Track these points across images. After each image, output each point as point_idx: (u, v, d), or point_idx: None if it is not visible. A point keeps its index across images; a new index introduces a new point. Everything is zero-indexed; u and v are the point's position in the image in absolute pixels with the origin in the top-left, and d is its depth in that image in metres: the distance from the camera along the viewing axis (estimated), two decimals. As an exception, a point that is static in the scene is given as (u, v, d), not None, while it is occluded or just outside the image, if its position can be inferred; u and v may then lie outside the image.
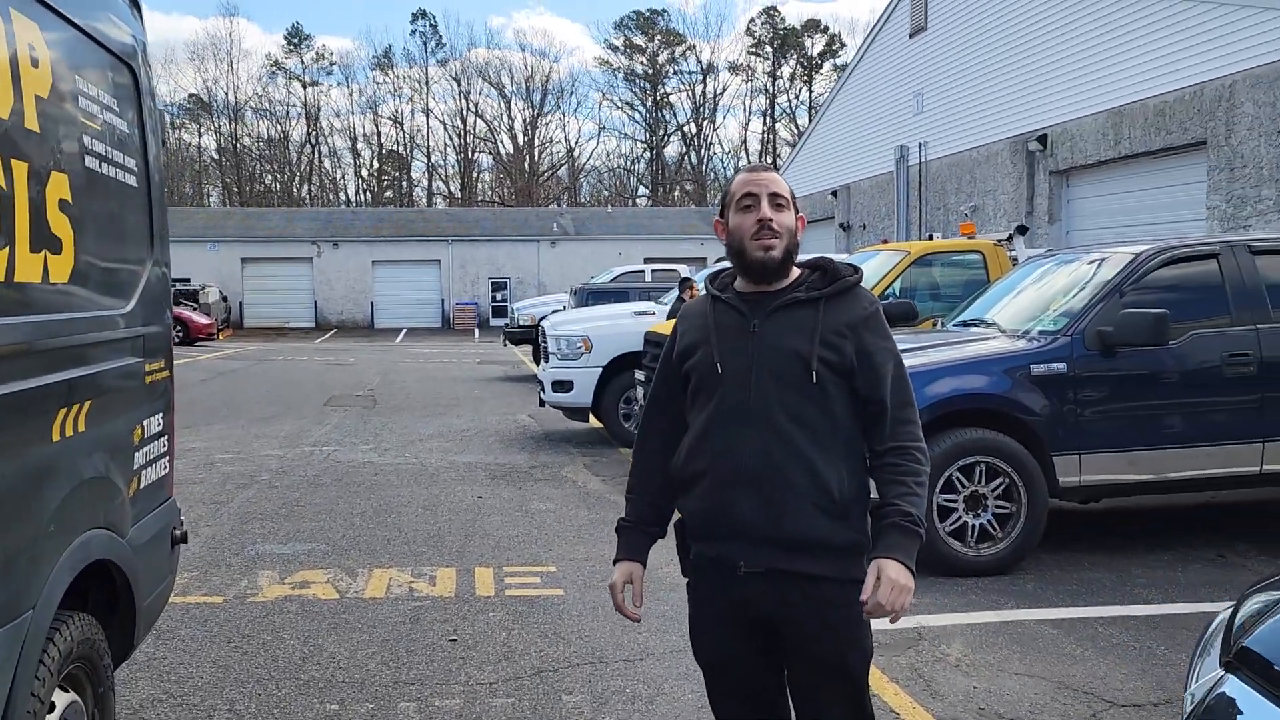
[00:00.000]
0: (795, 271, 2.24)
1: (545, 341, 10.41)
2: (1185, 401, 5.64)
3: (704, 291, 2.35)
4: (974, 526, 5.48)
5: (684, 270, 17.94)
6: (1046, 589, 5.24)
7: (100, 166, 2.77)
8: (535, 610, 4.93)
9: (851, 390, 2.15)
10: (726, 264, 2.34)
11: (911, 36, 19.31)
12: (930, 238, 18.28)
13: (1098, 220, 14.65)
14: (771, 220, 2.16)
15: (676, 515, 2.33)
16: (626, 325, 10.19)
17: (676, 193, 62.65)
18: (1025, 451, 5.47)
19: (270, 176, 63.51)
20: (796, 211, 2.25)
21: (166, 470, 3.35)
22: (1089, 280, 5.93)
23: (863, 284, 2.27)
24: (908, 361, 2.35)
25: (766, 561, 2.10)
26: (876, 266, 8.54)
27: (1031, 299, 6.40)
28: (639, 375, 8.95)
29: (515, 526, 6.71)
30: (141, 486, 3.06)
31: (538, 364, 18.59)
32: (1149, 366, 5.56)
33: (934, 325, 7.33)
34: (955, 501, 5.47)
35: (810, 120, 58.88)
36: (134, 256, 3.09)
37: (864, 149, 21.70)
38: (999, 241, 8.99)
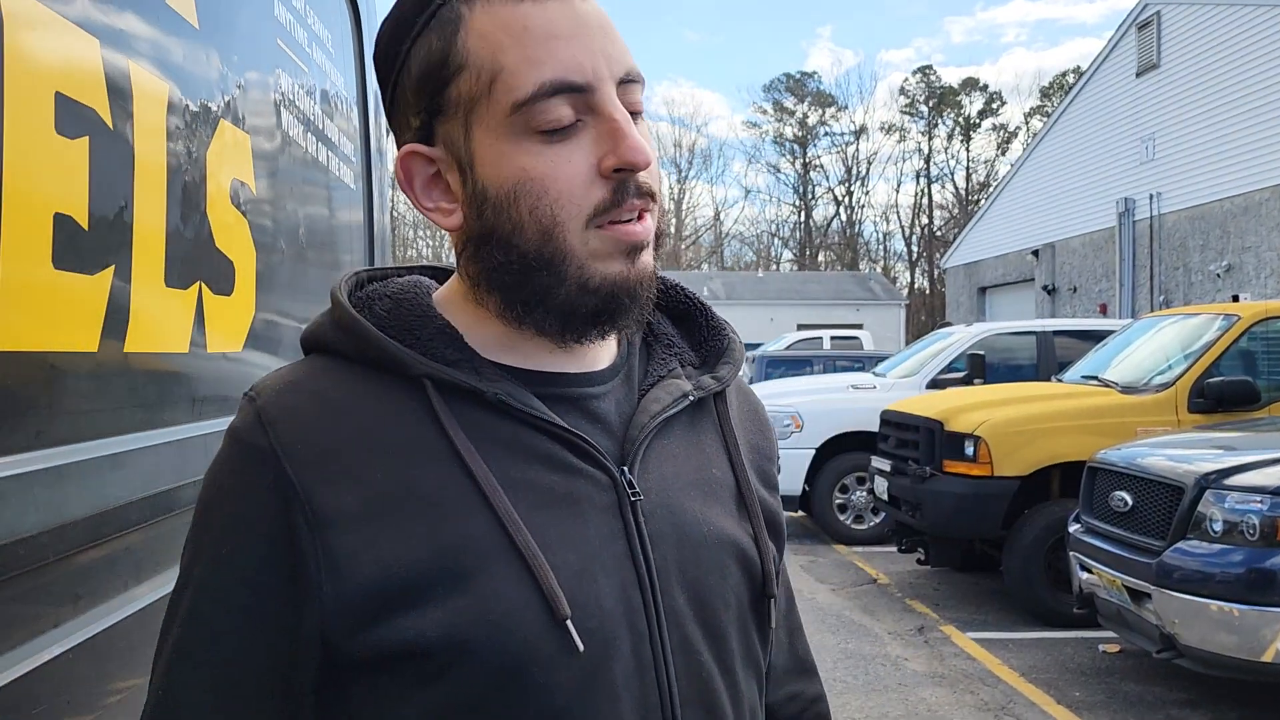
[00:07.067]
0: None
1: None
2: None
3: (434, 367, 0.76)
4: None
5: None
6: None
7: (304, 136, 1.51)
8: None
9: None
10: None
11: (1139, 76, 17.21)
12: (1165, 303, 16.10)
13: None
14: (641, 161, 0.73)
15: None
16: (843, 400, 8.86)
17: (821, 257, 60.91)
18: None
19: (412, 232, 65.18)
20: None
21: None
22: None
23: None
24: None
25: None
26: (1188, 334, 6.75)
27: None
28: (876, 463, 7.39)
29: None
30: None
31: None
32: None
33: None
34: None
35: (969, 180, 56.37)
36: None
37: (1075, 202, 19.56)
38: (1362, 305, 7.06)
